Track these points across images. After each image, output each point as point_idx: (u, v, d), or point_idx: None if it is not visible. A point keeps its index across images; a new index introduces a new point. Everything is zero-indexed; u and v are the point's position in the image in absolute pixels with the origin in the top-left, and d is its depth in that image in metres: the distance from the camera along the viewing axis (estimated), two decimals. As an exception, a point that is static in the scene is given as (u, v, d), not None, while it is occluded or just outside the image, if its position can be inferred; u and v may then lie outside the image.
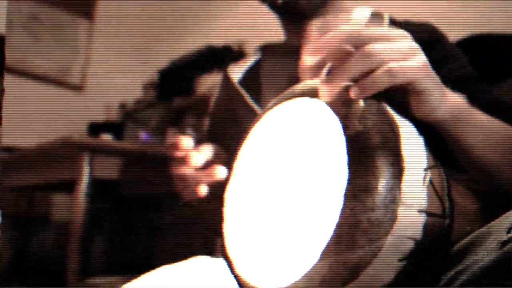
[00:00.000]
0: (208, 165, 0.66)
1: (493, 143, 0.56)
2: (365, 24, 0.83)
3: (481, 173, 0.57)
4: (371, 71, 0.44)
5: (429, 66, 0.47)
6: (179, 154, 0.68)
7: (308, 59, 0.48)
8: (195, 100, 2.57)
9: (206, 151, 0.68)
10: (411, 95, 0.48)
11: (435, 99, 0.48)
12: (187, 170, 0.67)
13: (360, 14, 0.89)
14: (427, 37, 0.77)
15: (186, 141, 0.68)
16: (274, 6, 0.87)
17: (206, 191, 0.66)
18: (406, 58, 0.45)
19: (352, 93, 0.43)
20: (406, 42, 0.47)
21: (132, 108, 3.15)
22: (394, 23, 0.86)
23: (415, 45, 0.47)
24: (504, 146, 0.56)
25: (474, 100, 0.63)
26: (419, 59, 0.46)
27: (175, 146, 0.68)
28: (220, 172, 0.64)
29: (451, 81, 0.62)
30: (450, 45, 0.83)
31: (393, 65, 0.44)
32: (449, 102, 0.51)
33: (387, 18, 0.86)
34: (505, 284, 0.33)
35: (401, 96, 0.48)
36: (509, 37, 1.16)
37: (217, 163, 0.65)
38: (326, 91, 0.45)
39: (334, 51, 0.45)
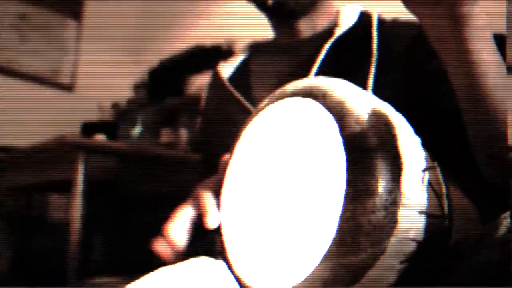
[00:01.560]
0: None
1: (495, 66, 0.53)
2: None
3: (493, 113, 0.54)
4: None
5: None
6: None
7: None
8: (188, 100, 2.56)
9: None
10: None
11: None
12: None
13: (350, 11, 0.90)
14: (416, 33, 0.77)
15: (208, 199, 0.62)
16: (262, 7, 0.87)
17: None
18: None
19: None
20: None
21: (125, 108, 3.14)
22: (382, 21, 0.87)
23: None
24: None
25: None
26: None
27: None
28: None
29: (440, 76, 0.62)
30: None
31: None
32: (482, 18, 0.49)
33: (376, 17, 0.87)
34: (505, 284, 0.33)
35: None
36: (495, 37, 1.16)
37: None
38: None
39: None
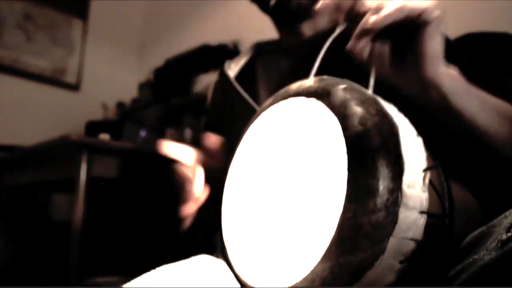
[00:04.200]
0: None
1: (492, 112, 0.57)
2: None
3: (484, 146, 0.58)
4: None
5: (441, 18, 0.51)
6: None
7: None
8: (193, 99, 2.56)
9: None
10: (419, 40, 0.51)
11: (437, 48, 0.52)
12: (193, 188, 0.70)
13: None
14: None
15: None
16: (265, 9, 0.87)
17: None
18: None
19: (369, 23, 0.48)
20: None
21: (130, 107, 3.15)
22: None
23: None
24: (500, 115, 0.57)
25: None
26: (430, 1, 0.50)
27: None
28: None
29: None
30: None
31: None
32: (450, 73, 0.54)
33: None
34: (506, 284, 0.33)
35: (414, 55, 0.52)
36: (502, 36, 1.16)
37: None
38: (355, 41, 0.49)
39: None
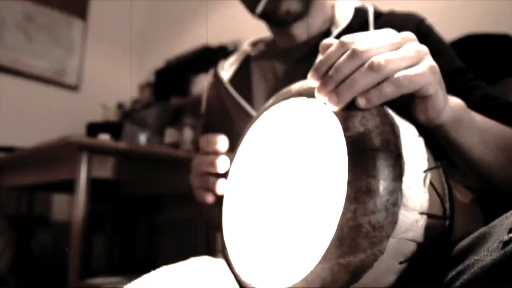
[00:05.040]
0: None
1: (491, 143, 0.55)
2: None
3: (480, 175, 0.57)
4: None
5: (436, 69, 0.47)
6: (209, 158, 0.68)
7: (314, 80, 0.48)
8: (193, 100, 2.56)
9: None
10: (416, 100, 0.48)
11: (441, 103, 0.48)
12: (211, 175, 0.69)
13: (345, 7, 0.89)
14: (413, 29, 0.75)
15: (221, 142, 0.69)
16: (253, 13, 0.87)
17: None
18: (413, 64, 0.45)
19: (360, 103, 0.43)
20: (412, 46, 0.46)
21: (130, 108, 3.15)
22: (379, 14, 0.86)
23: (422, 48, 0.47)
24: (498, 145, 0.56)
25: (465, 94, 0.63)
26: (426, 63, 0.46)
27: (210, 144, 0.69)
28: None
29: (444, 73, 0.62)
30: (438, 38, 0.82)
31: (399, 74, 0.44)
32: (451, 103, 0.51)
33: (371, 10, 0.86)
34: (507, 285, 0.33)
35: (405, 101, 0.48)
36: (501, 37, 1.16)
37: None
38: (335, 102, 0.45)
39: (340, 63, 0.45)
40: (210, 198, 0.68)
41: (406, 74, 0.44)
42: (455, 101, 0.52)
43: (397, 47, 0.46)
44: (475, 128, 0.54)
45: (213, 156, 0.68)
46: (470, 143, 0.54)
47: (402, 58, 0.44)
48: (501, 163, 0.56)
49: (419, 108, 0.48)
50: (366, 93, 0.44)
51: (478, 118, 0.57)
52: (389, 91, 0.44)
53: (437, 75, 0.47)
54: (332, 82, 0.45)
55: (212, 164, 0.67)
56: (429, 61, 0.46)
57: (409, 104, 0.49)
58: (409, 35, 0.48)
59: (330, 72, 0.45)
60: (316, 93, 0.47)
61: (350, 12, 0.87)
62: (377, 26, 0.81)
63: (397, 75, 0.44)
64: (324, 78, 0.46)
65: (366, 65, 0.43)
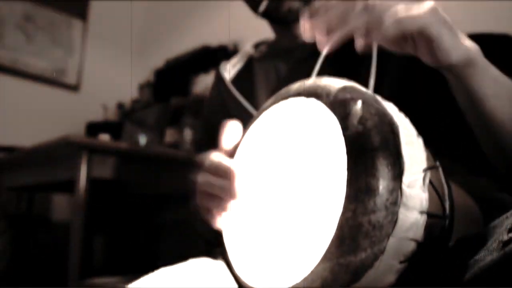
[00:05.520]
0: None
1: (504, 97, 0.54)
2: None
3: (488, 131, 0.56)
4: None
5: (437, 10, 0.47)
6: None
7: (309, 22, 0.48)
8: (193, 100, 2.56)
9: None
10: (421, 43, 0.47)
11: (446, 44, 0.47)
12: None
13: None
14: None
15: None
16: (255, 11, 0.87)
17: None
18: (412, 8, 0.45)
19: (357, 44, 0.44)
20: None
21: (130, 108, 3.15)
22: None
23: None
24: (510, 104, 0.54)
25: None
26: (427, 5, 0.46)
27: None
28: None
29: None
30: None
31: (400, 14, 0.44)
32: (463, 45, 0.50)
33: None
34: (506, 285, 0.33)
35: (411, 46, 0.48)
36: (502, 37, 1.16)
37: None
38: (324, 41, 0.45)
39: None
40: (221, 224, 0.58)
41: (407, 14, 0.44)
42: (469, 43, 0.52)
43: None
44: (489, 78, 0.53)
45: (223, 181, 0.56)
46: (483, 93, 0.52)
47: (397, 1, 0.45)
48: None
49: (425, 51, 0.48)
50: (365, 32, 0.44)
51: (494, 69, 0.55)
52: (389, 31, 0.44)
53: (439, 16, 0.47)
54: (323, 20, 0.45)
55: (223, 190, 0.56)
56: (429, 3, 0.47)
57: (415, 49, 0.49)
58: None
59: (322, 11, 0.45)
60: (307, 32, 0.47)
61: None
62: None
63: (398, 15, 0.44)
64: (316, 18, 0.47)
65: (360, 6, 0.44)
